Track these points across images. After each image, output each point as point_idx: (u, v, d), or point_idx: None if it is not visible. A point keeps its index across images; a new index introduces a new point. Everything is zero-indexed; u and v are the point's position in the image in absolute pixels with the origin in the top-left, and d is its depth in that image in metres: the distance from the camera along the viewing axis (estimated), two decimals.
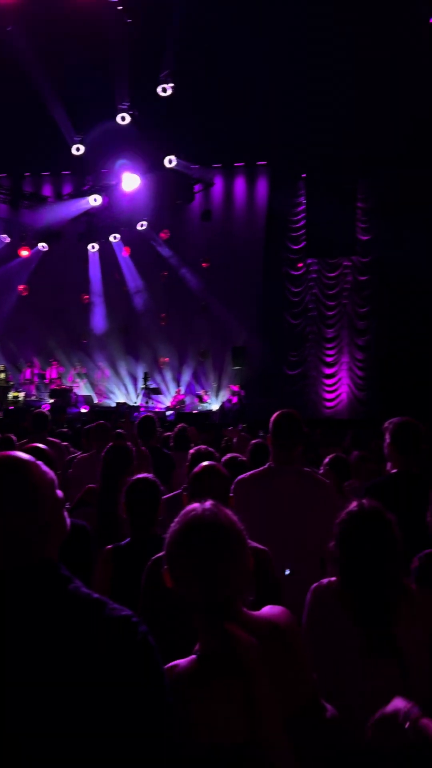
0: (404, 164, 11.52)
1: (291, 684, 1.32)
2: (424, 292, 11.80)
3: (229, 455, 3.71)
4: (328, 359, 12.64)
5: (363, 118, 11.19)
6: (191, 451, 3.06)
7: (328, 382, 12.62)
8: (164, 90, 11.00)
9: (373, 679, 1.37)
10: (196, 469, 2.20)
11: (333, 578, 1.73)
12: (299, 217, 12.57)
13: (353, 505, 1.71)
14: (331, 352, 12.65)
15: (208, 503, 1.32)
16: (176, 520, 1.32)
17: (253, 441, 4.38)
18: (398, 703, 1.27)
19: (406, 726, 1.23)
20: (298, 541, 2.56)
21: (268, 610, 1.39)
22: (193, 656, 1.30)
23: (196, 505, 1.31)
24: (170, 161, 11.75)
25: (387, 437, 2.85)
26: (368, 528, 1.66)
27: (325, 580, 1.76)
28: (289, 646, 1.36)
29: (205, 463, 2.26)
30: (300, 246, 12.63)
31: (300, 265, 12.70)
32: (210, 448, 3.12)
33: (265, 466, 2.74)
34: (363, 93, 11.10)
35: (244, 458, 3.73)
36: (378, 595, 1.62)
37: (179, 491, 3.23)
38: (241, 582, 1.29)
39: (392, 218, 11.72)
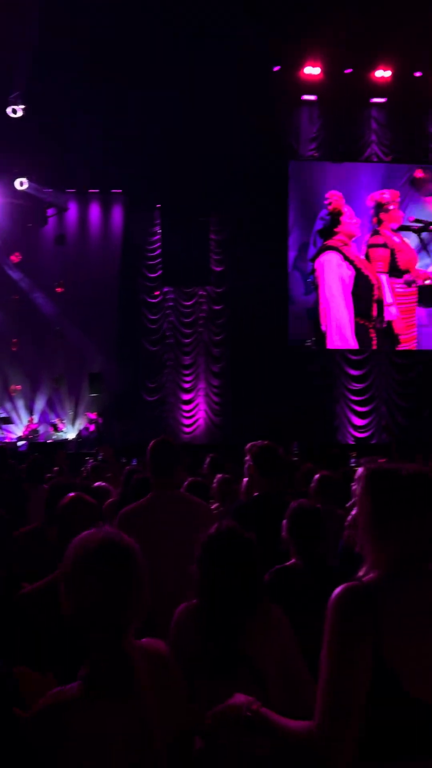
0: (254, 199, 12.19)
1: (172, 711, 1.32)
2: (272, 321, 12.48)
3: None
4: (186, 385, 12.86)
5: (211, 154, 11.69)
6: (49, 484, 2.95)
7: (186, 407, 12.82)
8: (14, 111, 10.75)
9: (224, 695, 1.41)
10: (63, 501, 2.13)
11: (194, 600, 1.74)
12: (155, 245, 12.76)
13: (213, 527, 1.76)
14: (188, 378, 12.89)
15: (108, 528, 1.34)
16: (76, 544, 1.32)
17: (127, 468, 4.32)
18: (239, 698, 1.33)
19: (248, 714, 1.28)
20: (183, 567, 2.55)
21: (148, 640, 1.39)
22: (79, 681, 1.28)
23: (95, 530, 1.33)
24: (21, 183, 11.44)
25: (249, 460, 2.94)
26: (224, 549, 1.70)
27: (187, 602, 1.79)
28: (171, 675, 1.36)
29: (71, 494, 2.20)
30: (156, 274, 12.81)
31: (157, 293, 12.87)
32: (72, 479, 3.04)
33: (148, 496, 2.71)
34: (212, 132, 11.61)
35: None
36: (231, 613, 1.65)
37: (36, 525, 3.09)
38: (141, 606, 1.31)
39: (244, 250, 12.32)
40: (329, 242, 12.78)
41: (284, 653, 1.72)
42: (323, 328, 12.71)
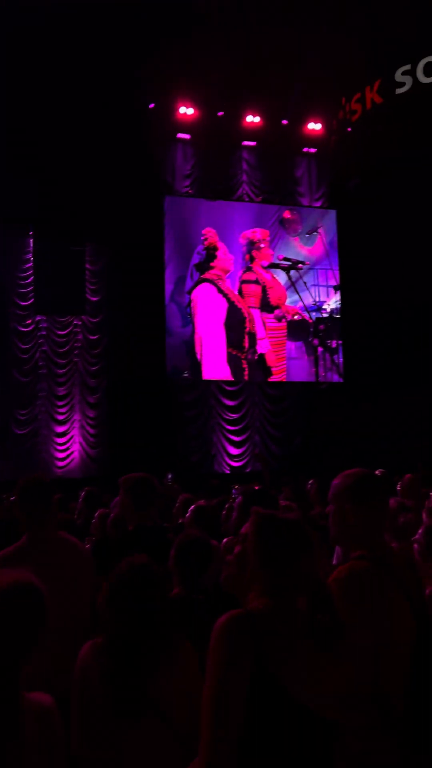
0: (130, 231, 12.26)
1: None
2: (149, 352, 12.52)
3: None
4: (60, 417, 12.46)
5: (87, 183, 11.66)
6: None
7: (60, 440, 12.40)
8: None
9: (131, 738, 1.39)
10: None
11: (98, 639, 1.71)
12: (27, 273, 12.38)
13: (122, 563, 1.73)
14: (62, 410, 12.50)
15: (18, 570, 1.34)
16: None
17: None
18: None
19: None
20: (66, 613, 2.43)
21: (36, 694, 1.35)
22: None
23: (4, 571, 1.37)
24: None
25: (122, 493, 2.90)
26: (133, 585, 1.68)
27: (90, 641, 1.74)
28: (56, 735, 1.34)
29: None
30: (28, 302, 12.40)
31: (29, 321, 12.44)
32: None
33: (20, 541, 2.54)
34: (89, 162, 11.61)
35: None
36: (136, 652, 1.64)
37: None
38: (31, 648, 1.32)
39: (120, 280, 12.31)
40: (205, 275, 13.13)
41: (192, 694, 1.70)
42: (198, 357, 12.95)
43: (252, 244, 13.48)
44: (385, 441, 12.25)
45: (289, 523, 1.53)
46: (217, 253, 13.24)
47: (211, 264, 13.18)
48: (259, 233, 13.55)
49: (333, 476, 2.04)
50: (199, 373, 13.04)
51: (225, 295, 13.16)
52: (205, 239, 13.23)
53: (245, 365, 13.25)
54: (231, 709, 1.32)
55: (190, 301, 13.06)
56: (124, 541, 2.75)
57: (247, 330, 13.26)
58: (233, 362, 13.15)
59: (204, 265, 13.17)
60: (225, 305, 13.14)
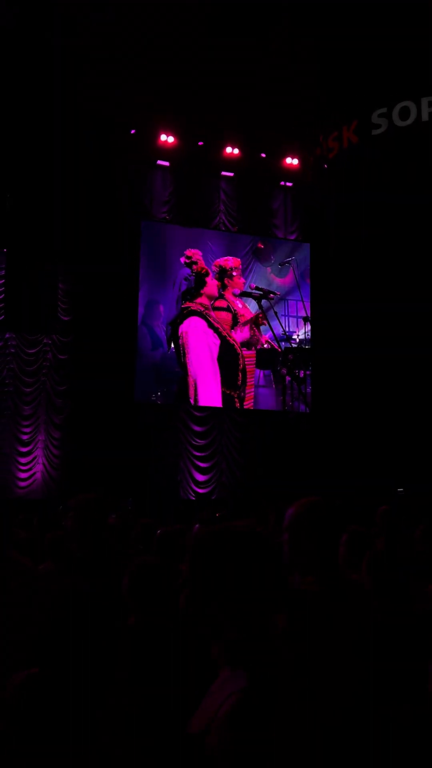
0: (105, 253, 12.29)
1: None
2: (119, 374, 12.45)
3: None
4: (24, 437, 12.26)
5: (62, 202, 11.69)
6: None
7: (23, 460, 12.18)
8: None
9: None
10: None
11: (32, 669, 1.64)
12: None
13: (58, 587, 1.67)
14: (27, 430, 12.30)
15: None
16: None
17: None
18: None
19: None
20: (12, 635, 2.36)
21: None
22: None
23: None
24: None
25: (72, 515, 2.84)
26: (70, 611, 1.62)
27: (23, 672, 1.66)
28: None
29: None
30: None
31: None
32: None
33: None
34: (65, 181, 11.65)
35: None
36: (80, 683, 1.60)
37: None
38: None
39: (92, 301, 12.27)
40: (193, 305, 13.13)
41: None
42: (191, 397, 12.93)
43: (224, 272, 13.60)
44: (352, 472, 12.31)
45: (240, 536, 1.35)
46: (207, 279, 13.29)
47: (201, 291, 13.20)
48: (231, 261, 13.69)
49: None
50: (170, 397, 13.00)
51: (216, 331, 13.17)
52: (193, 262, 13.23)
53: (237, 404, 13.30)
54: None
55: (174, 334, 12.98)
56: (73, 566, 2.69)
57: (240, 367, 13.30)
58: (227, 401, 13.19)
59: (193, 292, 13.17)
60: (217, 342, 13.16)
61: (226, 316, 13.48)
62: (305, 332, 14.01)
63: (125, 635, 2.35)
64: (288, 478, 12.55)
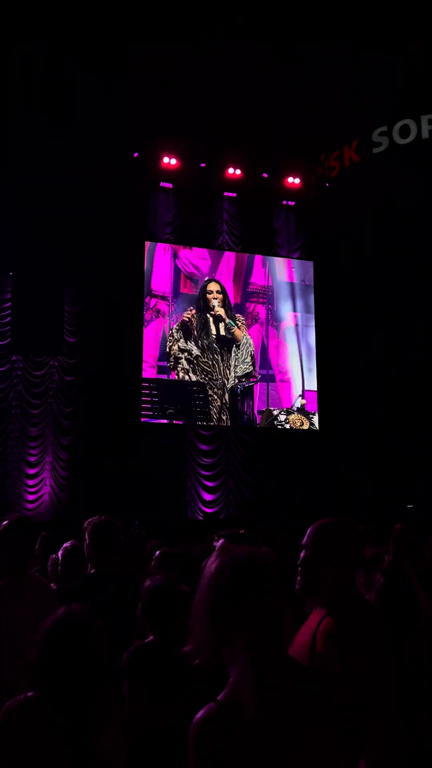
0: (109, 274, 12.39)
1: None
2: (125, 395, 12.48)
3: None
4: (31, 459, 12.25)
5: (67, 225, 11.82)
6: None
7: (30, 482, 12.16)
8: None
9: None
10: None
11: (29, 693, 1.59)
12: (5, 313, 12.37)
13: (60, 610, 1.62)
14: (34, 452, 12.30)
15: None
16: None
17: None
18: None
19: None
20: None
21: None
22: None
23: None
24: None
25: (86, 538, 2.84)
26: (66, 634, 1.58)
27: (20, 696, 1.61)
28: None
29: None
30: (5, 342, 12.35)
31: (4, 361, 12.36)
32: None
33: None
34: (70, 203, 11.79)
35: None
36: (79, 705, 1.54)
37: None
38: None
39: (98, 322, 12.35)
40: None
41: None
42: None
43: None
44: (362, 489, 12.25)
45: (253, 562, 1.38)
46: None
47: None
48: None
49: (308, 524, 2.00)
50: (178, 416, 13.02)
51: None
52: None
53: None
54: None
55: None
56: (85, 587, 2.68)
57: None
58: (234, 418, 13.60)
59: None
60: None
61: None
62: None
63: (140, 655, 2.32)
64: (295, 497, 12.50)
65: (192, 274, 13.69)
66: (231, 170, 13.73)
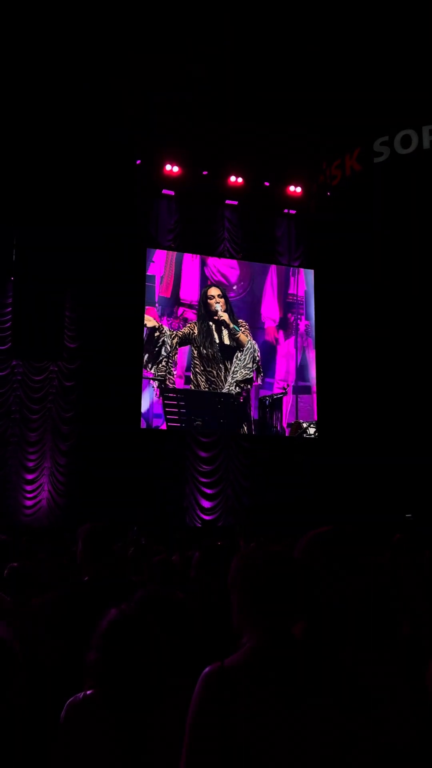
0: (111, 280, 12.40)
1: None
2: (125, 401, 12.47)
3: None
4: (30, 464, 12.24)
5: (69, 231, 11.86)
6: None
7: (29, 488, 12.14)
8: None
9: None
10: None
11: (89, 692, 1.65)
12: (6, 317, 12.40)
13: (112, 612, 1.69)
14: (33, 457, 12.29)
15: None
16: None
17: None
18: None
19: None
20: None
21: None
22: None
23: None
24: None
25: (80, 544, 2.83)
26: (132, 633, 1.65)
27: (80, 695, 1.67)
28: None
29: None
30: (5, 347, 12.37)
31: (4, 365, 12.38)
32: None
33: None
34: (72, 210, 11.83)
35: None
36: (140, 699, 1.61)
37: None
38: None
39: (99, 328, 12.35)
40: None
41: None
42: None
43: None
44: (360, 497, 12.22)
45: (271, 556, 1.52)
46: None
47: None
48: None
49: (303, 532, 1.99)
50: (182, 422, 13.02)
51: None
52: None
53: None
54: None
55: None
56: (78, 593, 2.66)
57: None
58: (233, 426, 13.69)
59: None
60: None
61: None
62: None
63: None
64: (294, 505, 12.46)
65: (220, 283, 13.71)
66: (233, 178, 13.78)
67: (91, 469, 11.86)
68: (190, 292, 13.49)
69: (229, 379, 13.43)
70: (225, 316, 13.58)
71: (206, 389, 13.25)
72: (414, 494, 11.67)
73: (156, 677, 1.62)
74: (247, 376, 13.56)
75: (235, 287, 13.83)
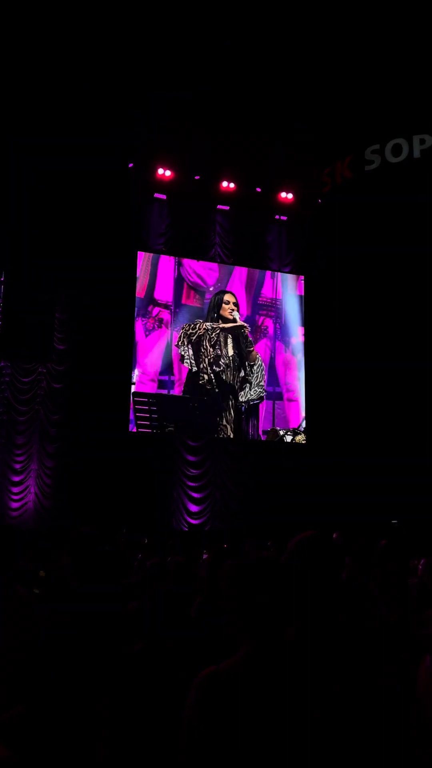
0: (101, 283, 12.38)
1: None
2: (114, 404, 12.44)
3: None
4: (17, 466, 12.17)
5: (60, 234, 11.85)
6: None
7: (15, 489, 12.07)
8: None
9: None
10: None
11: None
12: None
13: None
14: (19, 459, 12.22)
15: None
16: None
17: None
18: None
19: None
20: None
21: None
22: None
23: None
24: None
25: (69, 549, 2.83)
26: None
27: (214, 668, 1.70)
28: None
29: None
30: None
31: None
32: None
33: None
34: (63, 213, 11.81)
35: None
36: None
37: None
38: None
39: (88, 330, 12.32)
40: None
41: None
42: None
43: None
44: (346, 501, 12.26)
45: (259, 562, 1.54)
46: None
47: None
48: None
49: (292, 536, 2.02)
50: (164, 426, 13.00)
51: None
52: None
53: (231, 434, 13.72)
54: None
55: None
56: (67, 600, 2.67)
57: None
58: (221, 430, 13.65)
59: None
60: None
61: None
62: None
63: (129, 662, 2.31)
64: (282, 508, 12.48)
65: (196, 285, 13.71)
66: (225, 183, 13.83)
67: (79, 472, 11.82)
68: (165, 293, 13.50)
69: (246, 396, 13.46)
70: (247, 328, 13.64)
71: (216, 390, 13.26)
72: (401, 499, 11.73)
73: (90, 690, 1.59)
74: (262, 394, 13.63)
75: (211, 289, 13.86)
